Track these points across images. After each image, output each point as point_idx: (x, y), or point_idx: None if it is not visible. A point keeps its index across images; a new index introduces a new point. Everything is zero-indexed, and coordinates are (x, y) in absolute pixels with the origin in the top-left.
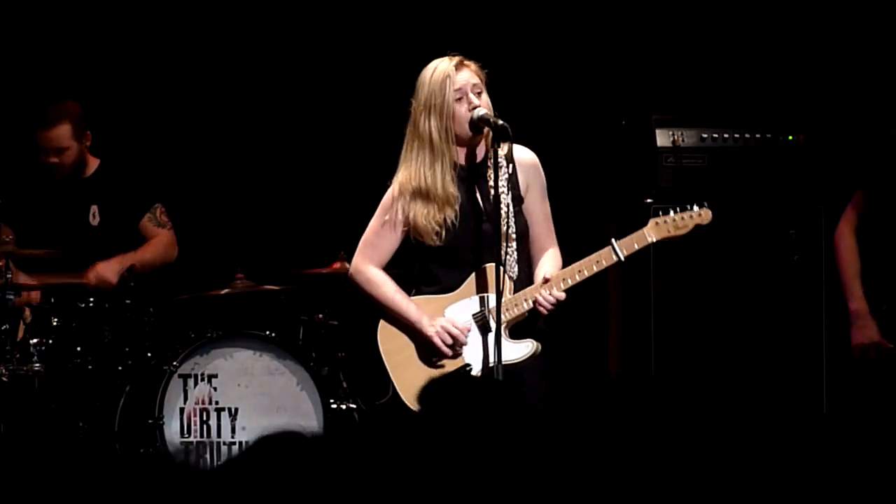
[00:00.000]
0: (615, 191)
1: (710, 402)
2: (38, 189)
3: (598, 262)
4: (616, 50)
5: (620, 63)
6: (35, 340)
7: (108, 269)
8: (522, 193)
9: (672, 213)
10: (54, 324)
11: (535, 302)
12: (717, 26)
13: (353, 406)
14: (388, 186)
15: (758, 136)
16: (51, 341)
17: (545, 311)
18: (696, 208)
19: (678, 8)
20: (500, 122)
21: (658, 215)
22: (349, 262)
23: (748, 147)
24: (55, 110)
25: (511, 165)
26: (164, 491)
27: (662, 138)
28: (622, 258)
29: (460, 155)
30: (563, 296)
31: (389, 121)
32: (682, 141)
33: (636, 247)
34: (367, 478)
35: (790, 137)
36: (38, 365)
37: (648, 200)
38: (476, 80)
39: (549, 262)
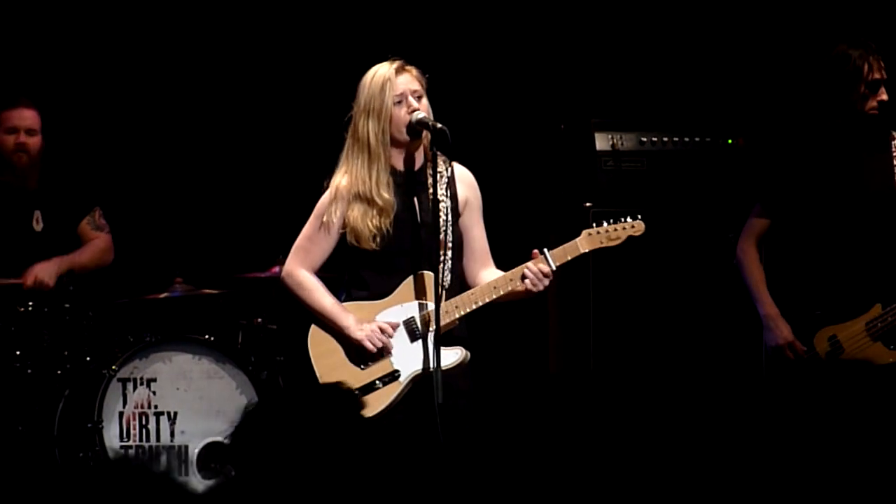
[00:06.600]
0: (554, 194)
1: (649, 398)
2: None
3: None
4: (555, 53)
5: (559, 67)
6: None
7: (46, 272)
8: (460, 209)
9: (605, 223)
10: None
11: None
12: (656, 31)
13: None
14: (325, 188)
15: (697, 139)
16: None
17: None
18: (629, 219)
19: (617, 13)
20: (439, 125)
21: (591, 226)
22: None
23: (687, 150)
24: (21, 97)
25: (451, 178)
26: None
27: (601, 142)
28: (553, 268)
29: (399, 160)
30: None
31: (326, 124)
32: (622, 144)
33: (568, 257)
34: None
35: (729, 141)
36: None
37: (588, 204)
38: (416, 85)
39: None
